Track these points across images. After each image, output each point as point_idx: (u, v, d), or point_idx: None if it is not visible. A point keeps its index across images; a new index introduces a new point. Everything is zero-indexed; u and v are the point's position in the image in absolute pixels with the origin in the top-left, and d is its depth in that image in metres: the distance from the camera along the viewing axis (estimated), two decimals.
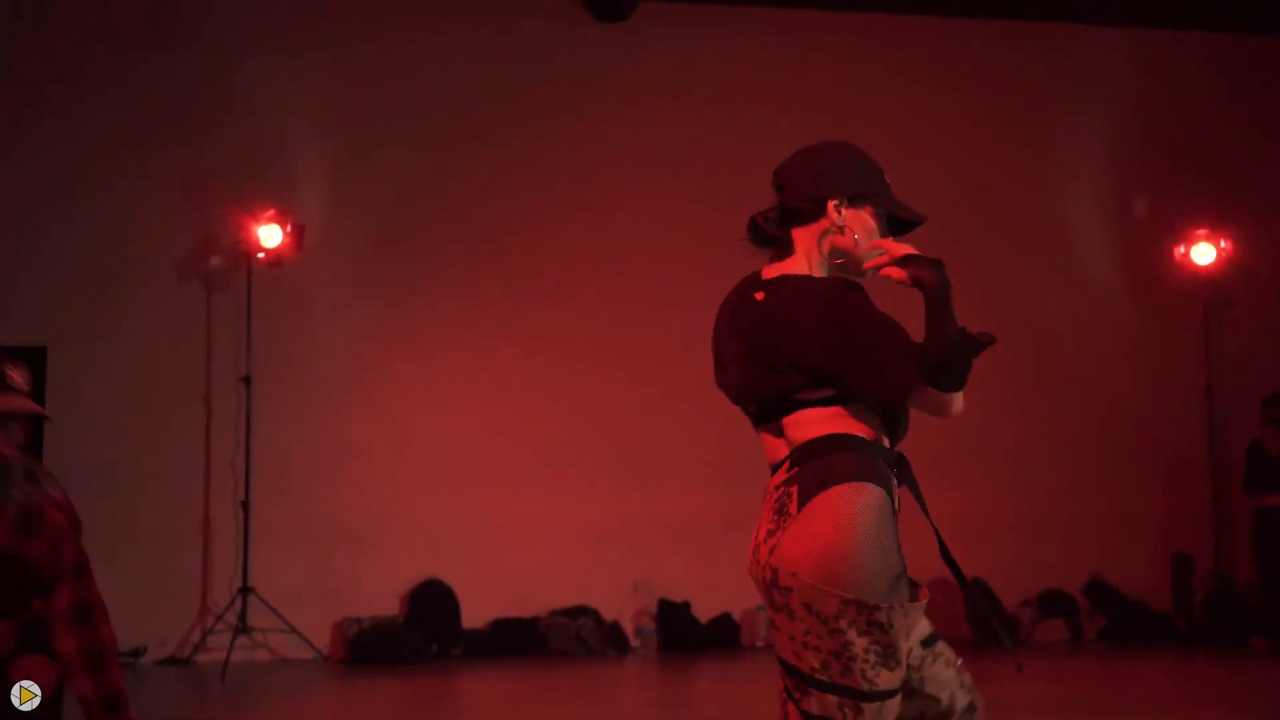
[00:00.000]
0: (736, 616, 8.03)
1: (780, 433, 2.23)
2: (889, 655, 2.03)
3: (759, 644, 7.92)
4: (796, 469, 2.16)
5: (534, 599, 7.80)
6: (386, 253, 7.91)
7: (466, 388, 7.91)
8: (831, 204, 2.26)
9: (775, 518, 2.15)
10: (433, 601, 7.63)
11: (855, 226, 2.27)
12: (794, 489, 2.13)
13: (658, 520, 7.87)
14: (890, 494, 2.15)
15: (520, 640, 7.65)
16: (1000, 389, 8.32)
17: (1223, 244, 8.53)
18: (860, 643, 2.02)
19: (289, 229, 7.46)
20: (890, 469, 2.19)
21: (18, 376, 3.01)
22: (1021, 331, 8.29)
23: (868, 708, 2.04)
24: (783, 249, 2.33)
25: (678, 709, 5.30)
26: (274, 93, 7.80)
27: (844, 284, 2.19)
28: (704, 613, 7.96)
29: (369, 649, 7.34)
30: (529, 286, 8.05)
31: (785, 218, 2.32)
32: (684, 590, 7.92)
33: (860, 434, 2.17)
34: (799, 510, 2.10)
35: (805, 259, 2.30)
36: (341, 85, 8.02)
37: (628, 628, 7.87)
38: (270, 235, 7.41)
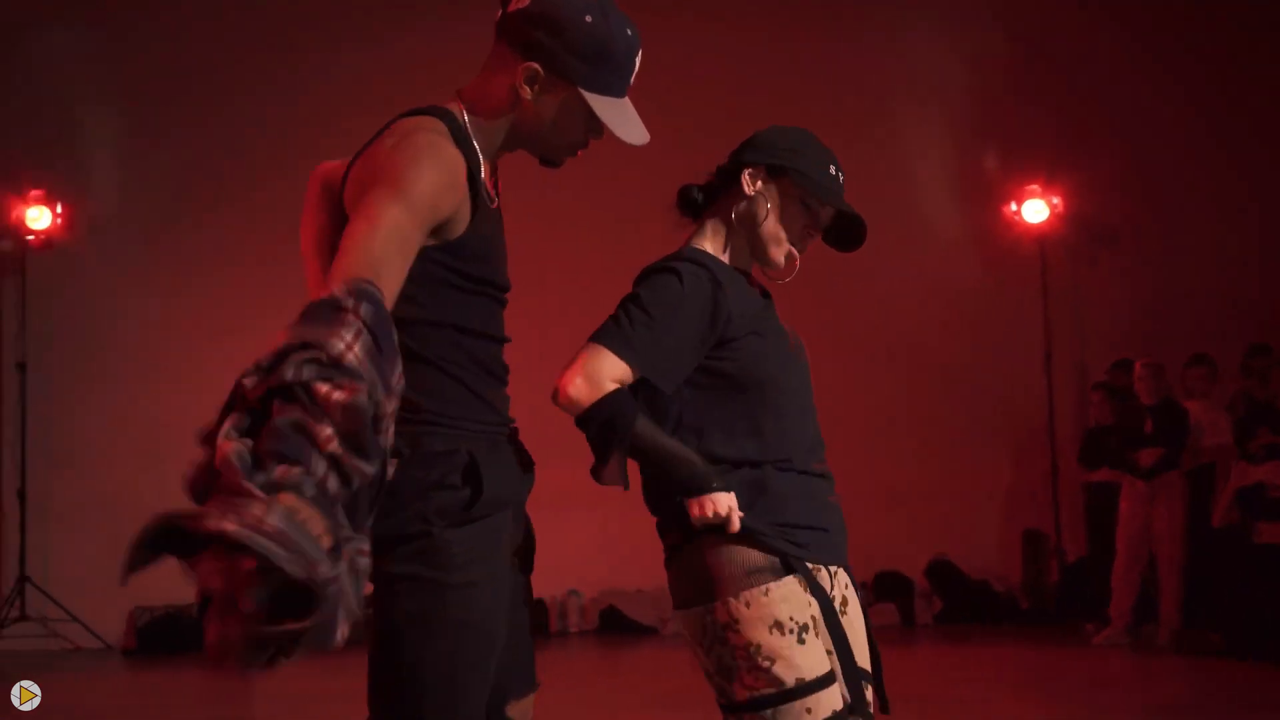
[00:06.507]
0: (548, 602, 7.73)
1: None
2: None
3: (570, 630, 7.65)
4: None
5: None
6: (176, 229, 7.63)
7: None
8: (747, 171, 2.04)
9: None
10: None
11: (769, 198, 2.04)
12: None
13: None
14: None
15: None
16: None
17: (1055, 200, 8.01)
18: None
19: (59, 210, 7.26)
20: None
21: None
22: (859, 301, 7.87)
23: None
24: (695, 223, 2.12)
25: None
26: (53, 70, 7.58)
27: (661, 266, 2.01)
28: None
29: (159, 638, 7.18)
30: None
31: (710, 189, 2.11)
32: None
33: None
34: None
35: (711, 235, 2.08)
36: (122, 60, 7.76)
37: None
38: (39, 217, 7.21)
